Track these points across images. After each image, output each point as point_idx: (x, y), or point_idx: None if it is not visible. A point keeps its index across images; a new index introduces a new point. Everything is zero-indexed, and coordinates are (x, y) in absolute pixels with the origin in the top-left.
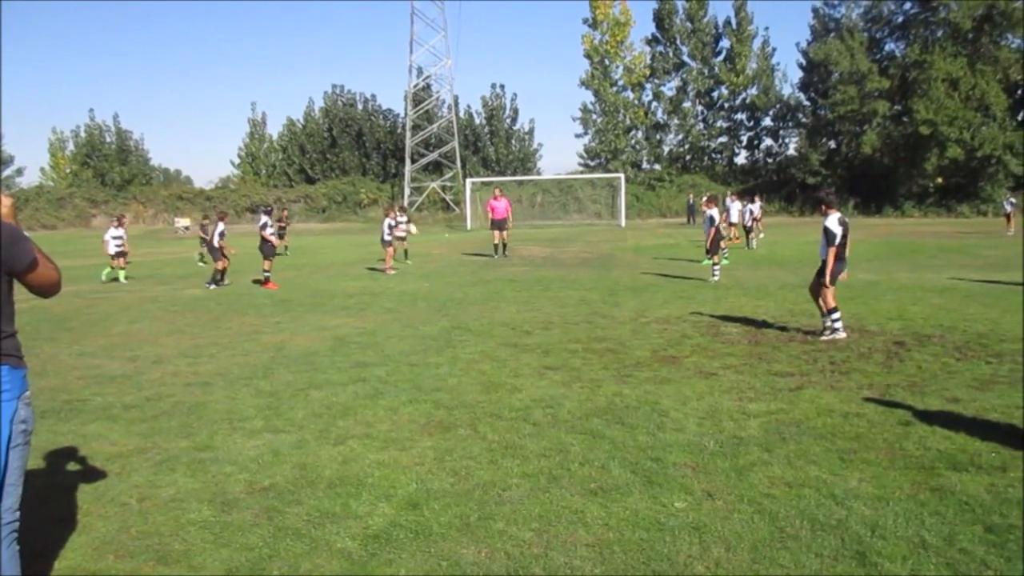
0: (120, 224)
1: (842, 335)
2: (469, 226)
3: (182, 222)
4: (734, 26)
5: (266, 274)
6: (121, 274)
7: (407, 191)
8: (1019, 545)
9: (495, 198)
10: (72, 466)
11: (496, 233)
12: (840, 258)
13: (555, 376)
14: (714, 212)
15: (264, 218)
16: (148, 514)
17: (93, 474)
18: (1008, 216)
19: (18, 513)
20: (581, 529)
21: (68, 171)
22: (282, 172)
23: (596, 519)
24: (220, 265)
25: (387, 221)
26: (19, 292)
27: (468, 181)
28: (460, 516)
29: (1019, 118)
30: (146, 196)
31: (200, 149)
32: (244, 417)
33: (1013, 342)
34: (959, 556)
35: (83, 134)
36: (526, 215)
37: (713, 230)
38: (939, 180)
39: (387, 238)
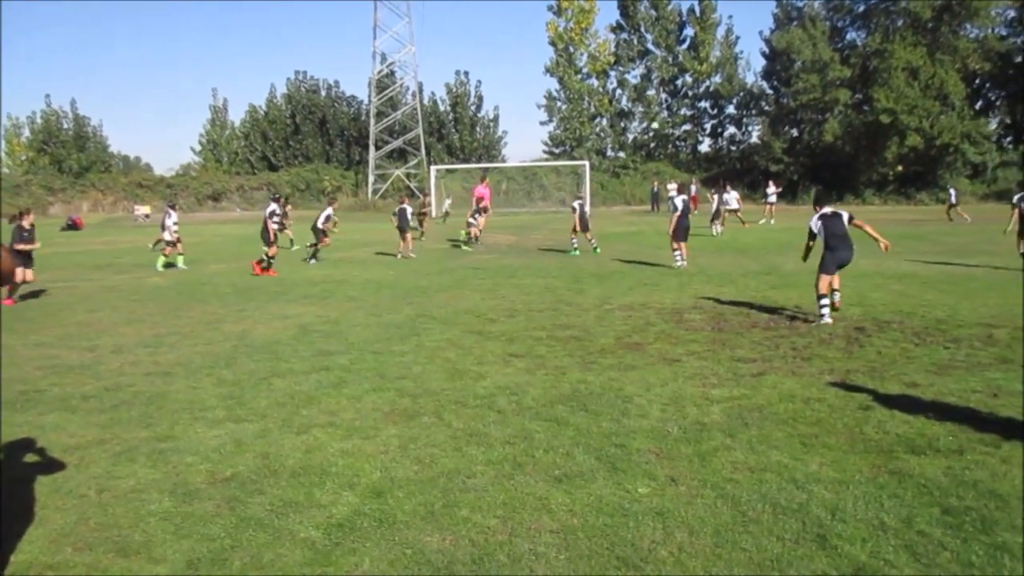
0: (175, 209)
1: (827, 321)
2: (433, 214)
3: (142, 210)
4: (698, 14)
5: (270, 260)
6: (180, 259)
7: (371, 178)
8: (975, 527)
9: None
10: (29, 458)
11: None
12: (829, 248)
13: (520, 363)
14: (678, 200)
15: (273, 206)
16: (107, 506)
17: (51, 466)
18: (952, 206)
19: None
20: (545, 516)
21: (24, 158)
22: (244, 159)
23: (560, 505)
24: (324, 242)
25: (407, 208)
26: None
27: (433, 168)
28: (424, 504)
29: (977, 107)
30: (105, 184)
31: (160, 136)
32: (206, 407)
33: (970, 327)
34: (917, 538)
35: (39, 120)
36: (491, 202)
37: (676, 216)
38: (899, 168)
39: (410, 222)
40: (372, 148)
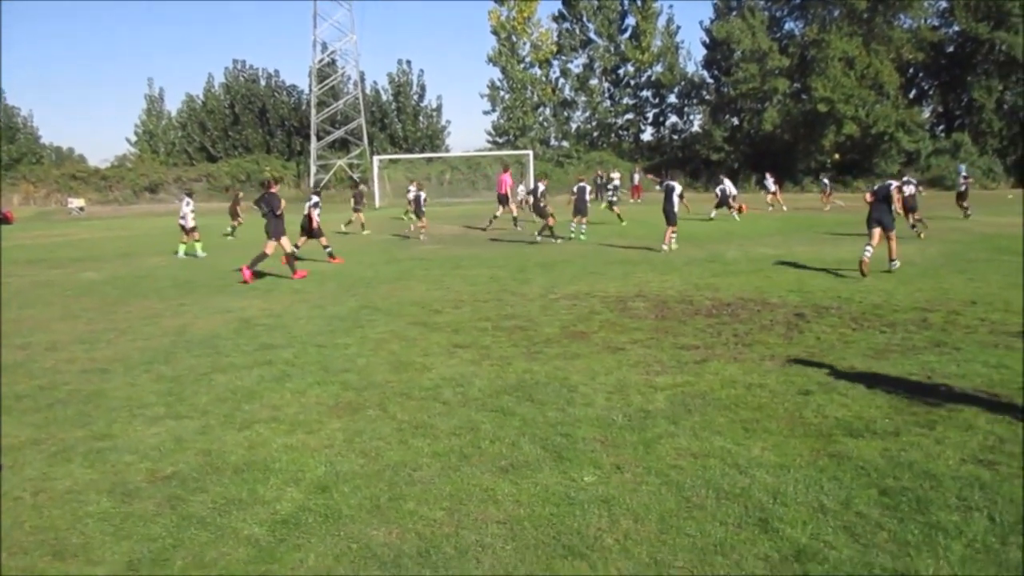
0: (192, 196)
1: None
2: (378, 204)
3: (76, 203)
4: (639, 4)
5: (327, 248)
6: (198, 247)
7: (313, 169)
8: (911, 507)
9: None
10: None
11: (501, 208)
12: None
13: (465, 354)
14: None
15: (315, 198)
16: (43, 508)
17: None
18: (826, 193)
19: None
20: (492, 506)
21: None
22: (182, 150)
23: (507, 496)
24: (422, 223)
25: (422, 194)
26: None
27: (376, 158)
28: (370, 498)
29: (911, 96)
30: (36, 176)
31: (93, 126)
32: (144, 404)
33: (905, 312)
34: (855, 519)
35: None
36: (435, 193)
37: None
38: (836, 156)
39: (423, 208)
40: (314, 138)
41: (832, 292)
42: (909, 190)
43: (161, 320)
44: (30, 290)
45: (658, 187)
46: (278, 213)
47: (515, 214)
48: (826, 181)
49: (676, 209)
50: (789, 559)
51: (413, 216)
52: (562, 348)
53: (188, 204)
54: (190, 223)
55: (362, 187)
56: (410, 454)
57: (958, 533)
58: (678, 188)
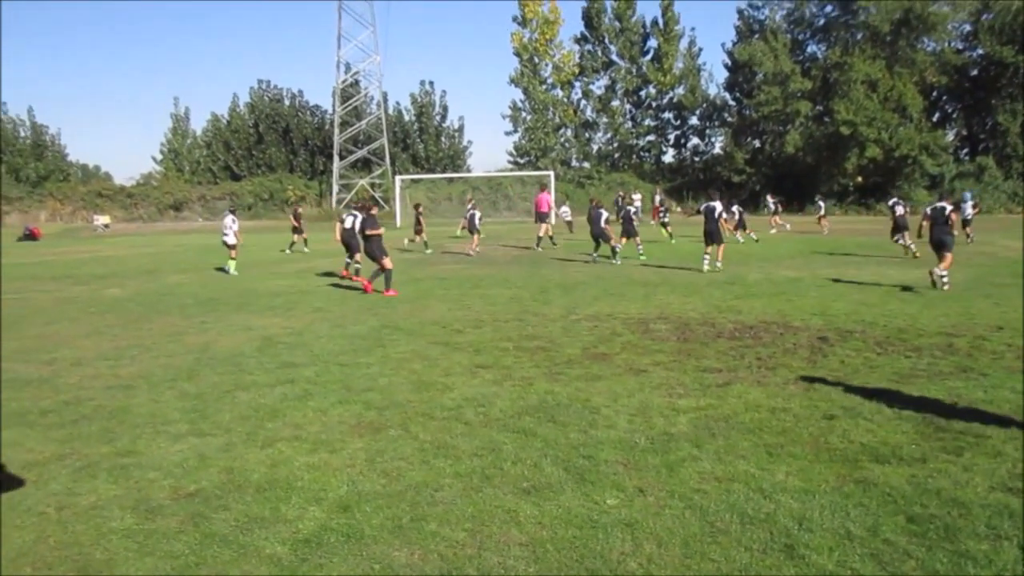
0: (235, 213)
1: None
2: (399, 223)
3: (101, 220)
4: (661, 26)
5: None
6: (232, 264)
7: (335, 188)
8: (939, 535)
9: (541, 191)
10: None
11: (541, 226)
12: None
13: (486, 375)
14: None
15: (359, 215)
16: (67, 523)
17: (9, 482)
18: (821, 216)
19: None
20: (514, 528)
21: None
22: (206, 168)
23: (529, 518)
24: (475, 240)
25: (477, 212)
26: None
27: (397, 178)
28: (392, 518)
29: (934, 119)
30: (63, 193)
31: (120, 144)
32: (168, 421)
33: (931, 336)
34: (883, 546)
35: None
36: (456, 213)
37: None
38: (858, 179)
39: (478, 225)
40: (336, 158)
41: (855, 316)
42: (965, 209)
43: (184, 337)
44: (55, 306)
45: (699, 210)
46: (378, 233)
47: (550, 233)
48: (821, 203)
49: (719, 227)
50: None
51: (467, 233)
52: (584, 369)
53: (234, 222)
54: (232, 239)
55: (420, 208)
56: (432, 475)
57: (987, 562)
58: (719, 208)
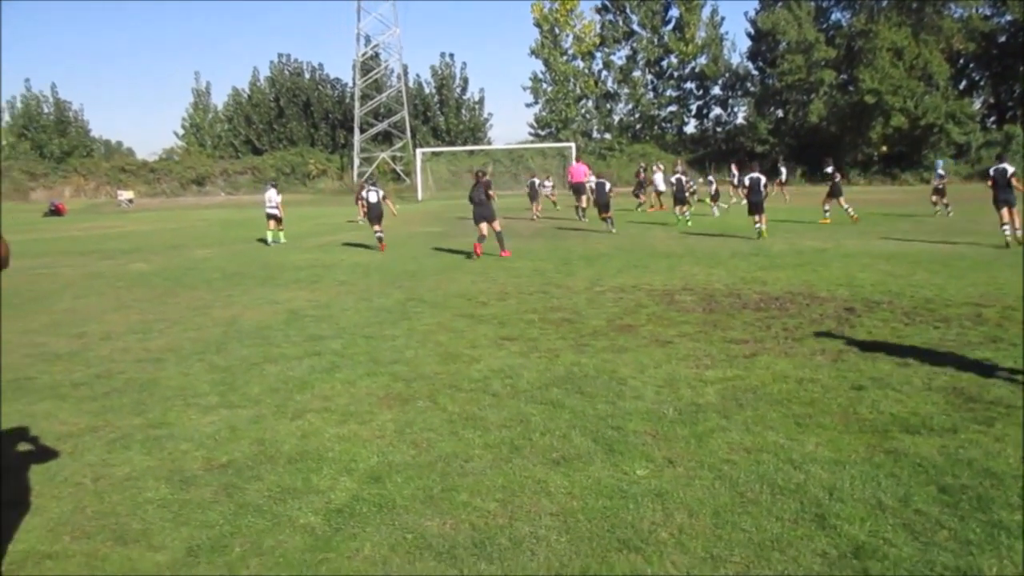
0: (276, 187)
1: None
2: (420, 197)
3: (125, 195)
4: None
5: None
6: (281, 235)
7: (356, 162)
8: (971, 505)
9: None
10: (23, 446)
11: (581, 197)
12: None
13: (512, 347)
14: (746, 179)
15: (380, 190)
16: (103, 493)
17: (45, 454)
18: (780, 183)
19: None
20: (545, 499)
21: (4, 143)
22: (228, 143)
23: (559, 488)
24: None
25: (535, 180)
26: None
27: (418, 151)
28: (423, 488)
29: (961, 87)
30: (87, 168)
31: (142, 120)
32: (198, 393)
33: (959, 307)
34: (915, 517)
35: (19, 105)
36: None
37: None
38: (884, 148)
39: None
40: (357, 131)
41: (882, 286)
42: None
43: (211, 311)
44: (83, 281)
45: (747, 181)
46: (489, 197)
47: (584, 205)
48: (782, 169)
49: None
50: (848, 556)
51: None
52: (610, 341)
53: (278, 194)
54: (278, 212)
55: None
56: (461, 445)
57: (1021, 532)
58: (764, 179)
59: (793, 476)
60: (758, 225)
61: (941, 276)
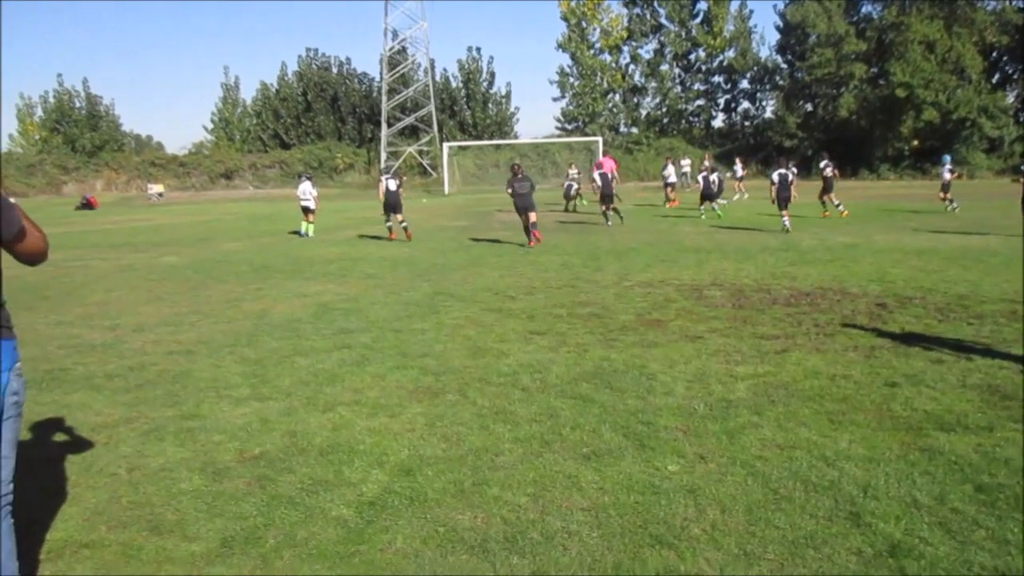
0: (311, 180)
1: None
2: (447, 191)
3: (155, 188)
4: None
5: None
6: (311, 229)
7: (383, 156)
8: (1009, 504)
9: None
10: (58, 437)
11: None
12: None
13: (541, 341)
14: (774, 175)
15: (397, 179)
16: (138, 484)
17: (80, 444)
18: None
19: (12, 485)
20: (576, 493)
21: (37, 137)
22: (256, 137)
23: (590, 483)
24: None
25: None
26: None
27: (445, 145)
28: (454, 482)
29: (994, 81)
30: (118, 163)
31: (171, 114)
32: (230, 385)
33: (994, 303)
34: (951, 515)
35: (52, 100)
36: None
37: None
38: (915, 143)
39: (672, 181)
40: (384, 125)
41: (914, 282)
42: None
43: (241, 304)
44: (115, 274)
45: (775, 177)
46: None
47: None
48: (738, 163)
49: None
50: (883, 554)
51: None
52: (639, 336)
53: (313, 187)
54: (312, 205)
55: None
56: (491, 439)
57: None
58: (791, 175)
59: (827, 473)
60: (784, 220)
61: (975, 272)
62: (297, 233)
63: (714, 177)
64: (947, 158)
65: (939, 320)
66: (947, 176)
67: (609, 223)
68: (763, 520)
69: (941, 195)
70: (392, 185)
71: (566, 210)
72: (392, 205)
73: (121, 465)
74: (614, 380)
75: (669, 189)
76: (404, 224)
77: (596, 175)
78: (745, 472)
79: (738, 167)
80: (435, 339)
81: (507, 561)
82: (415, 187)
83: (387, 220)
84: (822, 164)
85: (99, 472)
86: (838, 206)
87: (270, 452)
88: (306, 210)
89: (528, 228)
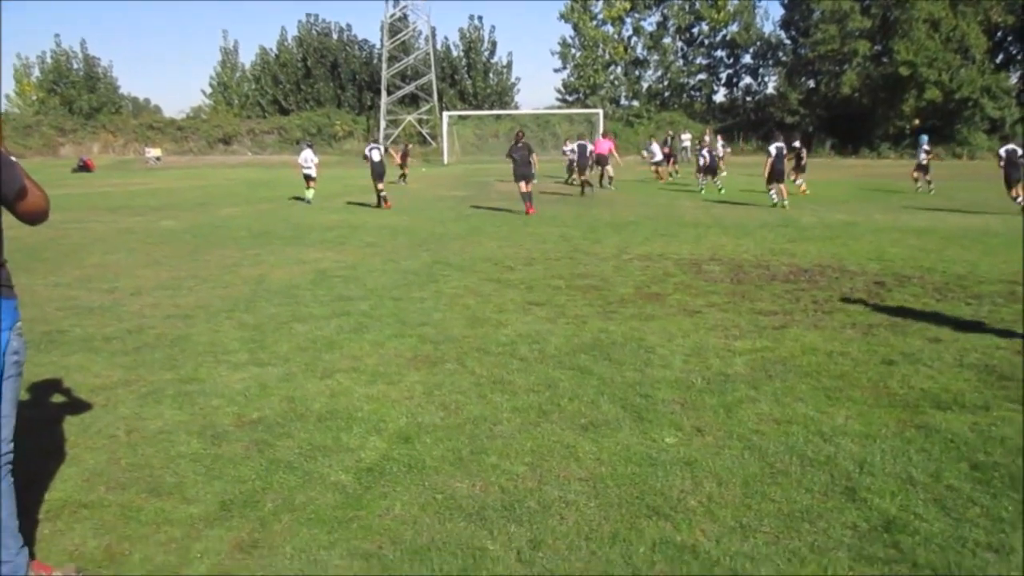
0: (312, 147)
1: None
2: (446, 160)
3: (153, 152)
4: None
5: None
6: (310, 194)
7: (383, 124)
8: (1004, 483)
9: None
10: (57, 398)
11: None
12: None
13: (540, 312)
14: (771, 148)
15: (382, 147)
16: (137, 446)
17: (79, 406)
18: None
19: (12, 444)
20: (574, 463)
21: (34, 98)
22: (255, 103)
23: (588, 454)
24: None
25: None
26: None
27: (445, 114)
28: (452, 450)
29: (998, 61)
30: (115, 125)
31: (170, 78)
32: (228, 350)
33: (992, 284)
34: (946, 492)
35: (49, 60)
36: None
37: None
38: (916, 122)
39: (658, 159)
40: (384, 93)
41: (913, 261)
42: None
43: (239, 269)
44: (114, 236)
45: (772, 150)
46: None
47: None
48: (720, 140)
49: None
50: (878, 529)
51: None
52: (637, 309)
53: (315, 154)
54: (314, 172)
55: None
56: (490, 408)
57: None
58: (785, 148)
59: (823, 448)
60: (773, 193)
61: (973, 252)
62: (300, 199)
63: (704, 152)
64: (924, 138)
65: (937, 299)
66: (923, 157)
67: (585, 193)
68: (759, 493)
69: (915, 174)
70: (377, 155)
71: (567, 183)
72: (378, 174)
73: (120, 427)
74: (612, 352)
75: (655, 167)
76: (383, 193)
77: (573, 147)
78: (742, 446)
79: (720, 146)
80: (434, 308)
81: (504, 529)
82: (414, 156)
83: (379, 190)
84: (796, 144)
85: (98, 433)
86: (798, 183)
87: (268, 417)
88: (308, 177)
89: (523, 197)
